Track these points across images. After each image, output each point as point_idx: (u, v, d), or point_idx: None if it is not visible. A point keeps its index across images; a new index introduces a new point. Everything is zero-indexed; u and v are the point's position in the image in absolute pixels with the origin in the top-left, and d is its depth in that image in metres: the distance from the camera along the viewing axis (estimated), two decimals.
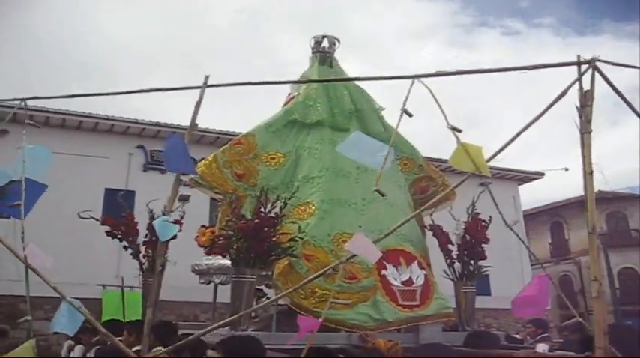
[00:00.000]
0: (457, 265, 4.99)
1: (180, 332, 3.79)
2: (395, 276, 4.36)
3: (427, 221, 5.32)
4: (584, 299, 20.60)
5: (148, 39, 45.44)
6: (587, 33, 56.99)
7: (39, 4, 42.66)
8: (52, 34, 41.64)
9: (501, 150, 1.66)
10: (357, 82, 5.61)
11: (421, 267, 4.53)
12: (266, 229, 4.19)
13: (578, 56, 1.64)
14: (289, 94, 5.62)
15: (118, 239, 5.07)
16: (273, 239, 4.24)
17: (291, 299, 4.26)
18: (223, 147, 5.16)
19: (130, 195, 13.14)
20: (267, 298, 5.52)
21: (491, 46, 57.50)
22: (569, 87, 1.63)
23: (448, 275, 5.01)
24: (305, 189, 4.85)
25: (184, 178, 4.17)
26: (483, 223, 4.83)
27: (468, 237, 4.80)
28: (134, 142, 14.98)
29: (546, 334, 5.21)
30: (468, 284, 4.92)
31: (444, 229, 5.15)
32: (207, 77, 1.82)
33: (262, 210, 4.20)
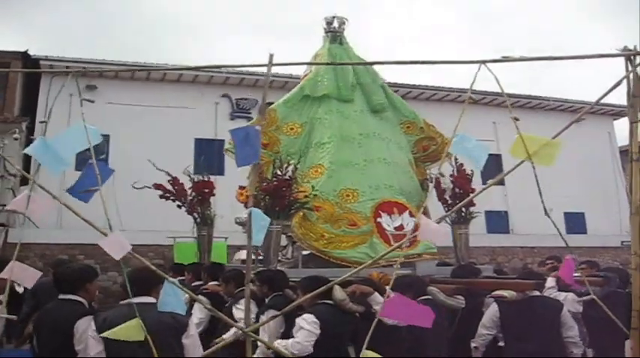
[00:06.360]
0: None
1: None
2: (388, 223, 5.28)
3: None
4: None
5: None
6: None
7: None
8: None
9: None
10: (361, 55, 6.32)
11: (411, 216, 5.38)
12: (284, 189, 5.22)
13: (625, 47, 1.67)
14: (304, 72, 6.52)
15: (171, 200, 6.24)
16: (292, 196, 5.28)
17: (306, 242, 5.33)
18: (251, 122, 6.19)
19: (219, 143, 12.57)
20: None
21: None
22: (623, 79, 1.74)
23: (447, 221, 5.82)
24: (317, 153, 5.81)
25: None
26: (468, 175, 5.55)
27: (456, 189, 5.55)
28: (219, 92, 14.85)
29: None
30: (462, 227, 5.74)
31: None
32: (271, 56, 1.86)
33: (279, 173, 5.23)
